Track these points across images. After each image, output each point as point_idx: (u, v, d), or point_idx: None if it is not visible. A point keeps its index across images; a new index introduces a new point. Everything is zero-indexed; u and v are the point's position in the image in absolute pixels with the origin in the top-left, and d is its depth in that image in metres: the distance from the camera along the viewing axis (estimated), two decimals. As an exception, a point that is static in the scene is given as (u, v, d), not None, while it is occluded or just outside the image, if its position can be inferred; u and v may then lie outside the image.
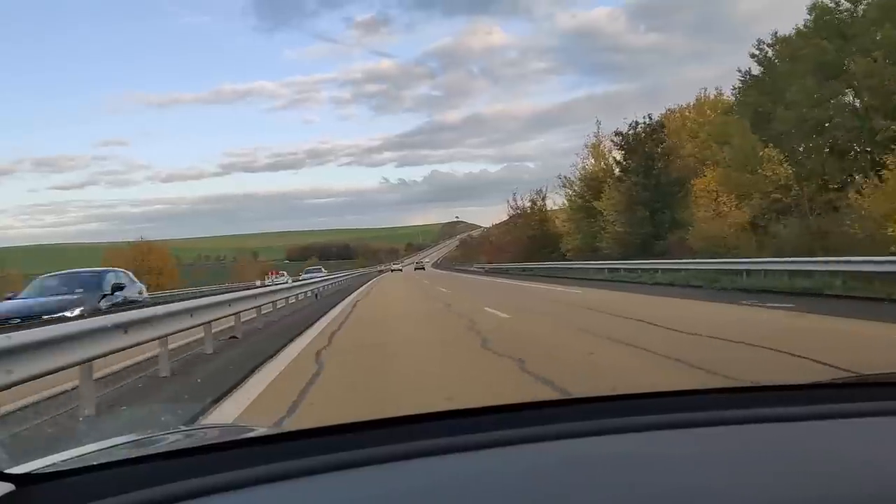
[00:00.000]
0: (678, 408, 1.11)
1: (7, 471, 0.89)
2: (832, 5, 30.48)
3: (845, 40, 29.42)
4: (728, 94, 39.83)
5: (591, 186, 41.03)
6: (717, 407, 1.11)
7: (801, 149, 30.00)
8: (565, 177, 47.58)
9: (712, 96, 42.83)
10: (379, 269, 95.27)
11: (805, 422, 1.06)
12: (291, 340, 10.32)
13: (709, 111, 41.90)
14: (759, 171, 29.23)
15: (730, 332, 8.43)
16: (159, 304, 8.70)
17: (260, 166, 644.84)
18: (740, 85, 37.41)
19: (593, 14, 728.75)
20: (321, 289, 25.35)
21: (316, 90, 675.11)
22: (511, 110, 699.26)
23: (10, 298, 12.29)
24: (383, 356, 8.30)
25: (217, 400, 5.61)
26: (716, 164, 32.88)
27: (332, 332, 11.40)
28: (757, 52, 36.22)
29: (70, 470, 0.92)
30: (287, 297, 16.57)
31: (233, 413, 5.14)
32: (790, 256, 18.01)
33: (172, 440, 1.31)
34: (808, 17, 31.34)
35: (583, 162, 45.55)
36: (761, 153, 29.40)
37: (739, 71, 37.46)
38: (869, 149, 27.94)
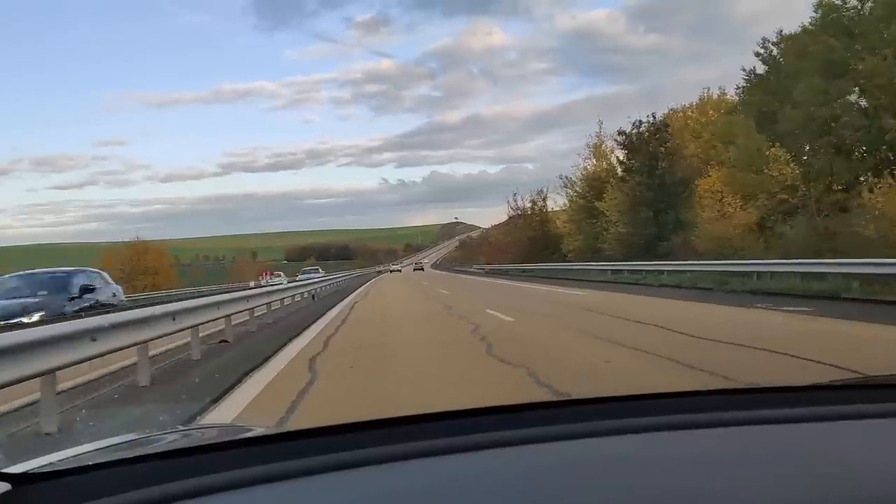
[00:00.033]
0: (678, 409, 1.09)
1: (3, 470, 0.88)
2: (839, 3, 30.01)
3: (852, 38, 28.99)
4: (732, 94, 39.47)
5: (594, 187, 40.53)
6: (716, 408, 1.10)
7: (807, 148, 29.50)
8: (566, 177, 47.15)
9: (715, 96, 42.48)
10: (378, 269, 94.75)
11: (805, 423, 1.06)
12: (285, 345, 9.82)
13: (711, 111, 41.49)
14: (765, 171, 28.75)
15: (750, 337, 7.93)
16: (141, 306, 8.14)
17: (259, 166, 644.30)
18: (744, 84, 37.06)
19: (593, 15, 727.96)
20: (318, 290, 24.80)
21: (316, 90, 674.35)
22: (510, 111, 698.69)
23: None
24: (382, 357, 8.15)
25: (198, 414, 5.18)
26: (720, 165, 32.41)
27: (328, 335, 10.88)
28: (762, 51, 35.84)
29: (67, 469, 0.91)
30: (282, 299, 16.00)
31: (228, 416, 4.97)
32: (798, 258, 17.55)
33: (170, 440, 1.29)
34: (815, 14, 30.93)
35: (584, 162, 45.15)
36: (767, 153, 28.92)
37: (744, 70, 37.04)
38: (877, 148, 27.47)
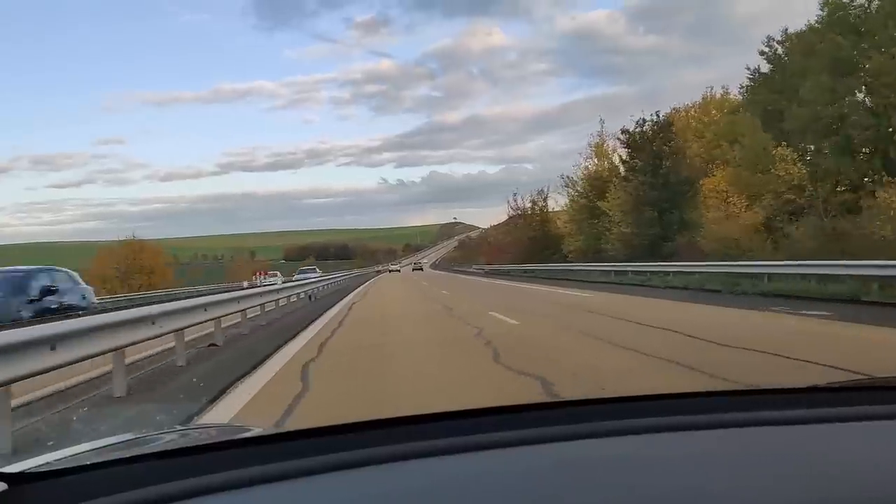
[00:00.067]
0: (677, 410, 1.08)
1: (0, 470, 0.87)
2: (846, 0, 29.52)
3: (859, 36, 28.50)
4: (735, 94, 38.96)
5: (596, 186, 39.95)
6: (716, 410, 1.09)
7: (814, 148, 28.95)
8: (568, 176, 46.56)
9: (719, 95, 41.96)
10: (377, 269, 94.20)
11: (805, 425, 1.05)
12: (278, 348, 9.27)
13: (714, 111, 40.97)
14: (772, 170, 28.21)
15: (773, 343, 7.41)
16: (121, 308, 7.56)
17: (259, 166, 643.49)
18: (749, 83, 36.53)
19: (592, 16, 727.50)
20: (316, 290, 24.22)
21: (315, 90, 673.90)
22: (510, 112, 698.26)
23: None
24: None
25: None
26: (725, 164, 31.87)
27: (324, 339, 10.32)
28: (767, 50, 35.32)
29: (64, 469, 0.90)
30: (277, 300, 15.41)
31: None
32: (807, 259, 17.03)
33: (168, 440, 1.27)
34: (821, 12, 30.43)
35: (585, 161, 44.58)
36: (774, 152, 28.39)
37: (748, 69, 36.56)
38: (885, 147, 26.94)
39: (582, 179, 44.11)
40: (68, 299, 10.59)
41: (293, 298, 18.68)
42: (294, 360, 7.96)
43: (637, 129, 32.95)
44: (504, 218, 67.42)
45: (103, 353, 5.39)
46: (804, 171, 27.60)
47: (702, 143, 36.73)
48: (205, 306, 8.14)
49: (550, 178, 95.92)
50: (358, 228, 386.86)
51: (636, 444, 0.98)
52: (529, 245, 52.28)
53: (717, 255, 24.29)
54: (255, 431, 1.17)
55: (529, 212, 56.68)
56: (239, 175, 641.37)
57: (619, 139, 35.38)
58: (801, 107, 28.60)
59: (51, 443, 4.29)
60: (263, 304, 13.37)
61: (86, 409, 5.41)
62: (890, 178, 21.90)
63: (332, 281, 33.14)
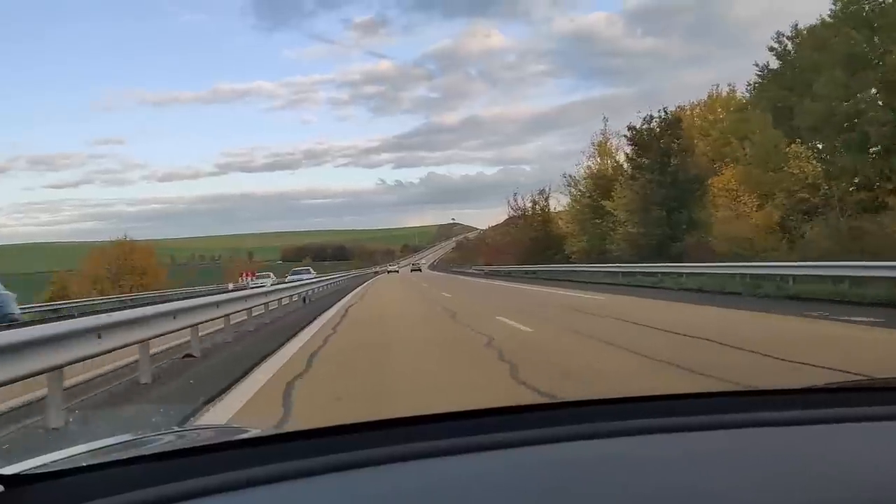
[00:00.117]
0: (674, 411, 1.08)
1: None
2: (859, -6, 28.57)
3: (872, 31, 27.54)
4: (742, 91, 37.99)
5: (600, 185, 38.88)
6: (715, 410, 1.09)
7: (827, 145, 27.91)
8: (570, 176, 45.52)
9: (725, 93, 40.95)
10: (375, 270, 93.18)
11: (802, 426, 1.05)
12: (263, 359, 8.17)
13: (720, 109, 39.97)
14: (785, 168, 27.18)
15: (840, 358, 6.32)
16: (54, 319, 6.41)
17: (257, 166, 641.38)
18: (758, 80, 35.55)
19: (591, 18, 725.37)
20: (310, 293, 23.08)
21: (314, 91, 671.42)
22: (508, 113, 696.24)
23: None
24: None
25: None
26: (735, 162, 30.85)
27: (315, 347, 9.22)
28: (776, 46, 34.33)
29: (61, 471, 0.89)
30: (267, 303, 14.25)
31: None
32: (826, 260, 15.98)
33: (165, 441, 1.26)
34: (834, 6, 29.49)
35: (588, 160, 43.54)
36: (787, 149, 27.36)
37: (756, 65, 35.60)
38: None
39: (585, 179, 43.12)
40: None
41: (285, 301, 17.53)
42: (278, 377, 6.86)
43: (644, 126, 31.83)
44: (503, 219, 66.53)
45: (27, 376, 4.27)
46: (819, 168, 26.57)
47: (707, 142, 35.76)
48: (174, 313, 6.97)
49: (549, 180, 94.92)
50: (356, 229, 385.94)
51: (636, 444, 0.97)
52: (530, 245, 51.19)
53: (729, 255, 23.27)
54: (254, 432, 1.16)
55: (530, 212, 55.64)
56: (237, 175, 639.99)
57: (625, 136, 34.28)
58: (815, 102, 27.62)
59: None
60: (250, 308, 12.21)
61: (5, 447, 4.29)
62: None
63: (328, 283, 31.98)
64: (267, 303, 14.11)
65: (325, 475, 0.87)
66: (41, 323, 5.91)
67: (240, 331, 11.48)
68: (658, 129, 31.36)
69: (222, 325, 10.38)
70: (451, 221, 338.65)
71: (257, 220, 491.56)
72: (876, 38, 27.49)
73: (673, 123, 31.35)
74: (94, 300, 36.31)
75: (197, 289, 43.65)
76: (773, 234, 25.05)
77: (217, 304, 9.06)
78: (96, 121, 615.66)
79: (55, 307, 34.37)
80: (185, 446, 1.11)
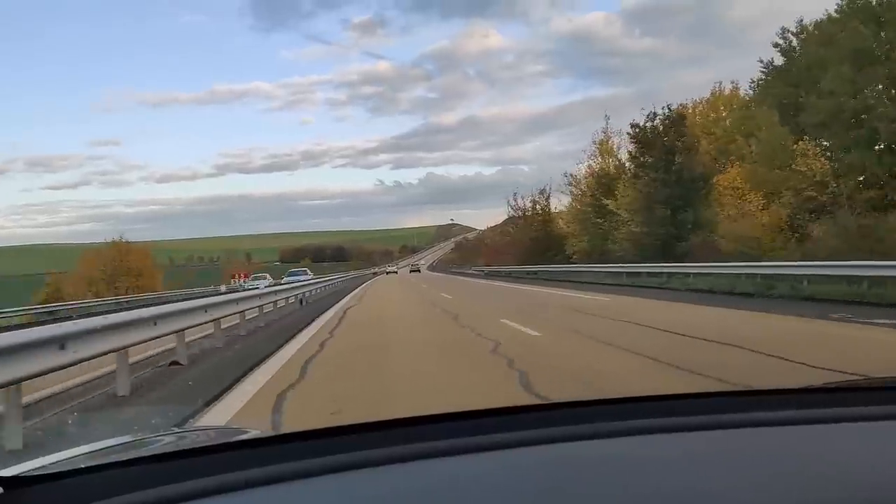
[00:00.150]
0: (673, 412, 1.08)
1: None
2: (867, -12, 28.07)
3: (879, 26, 27.04)
4: (745, 89, 37.48)
5: (602, 184, 38.30)
6: (713, 411, 1.08)
7: (834, 142, 27.35)
8: (571, 175, 44.95)
9: (728, 91, 40.40)
10: (373, 271, 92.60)
11: (800, 426, 1.05)
12: (254, 367, 7.62)
13: (723, 107, 39.43)
14: (792, 166, 26.62)
15: (881, 364, 5.77)
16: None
17: (255, 167, 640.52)
18: (762, 77, 34.99)
19: (589, 18, 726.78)
20: (307, 294, 22.50)
21: (312, 91, 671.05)
22: (506, 113, 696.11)
23: None
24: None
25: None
26: (740, 160, 30.30)
27: (310, 355, 8.66)
28: (781, 42, 33.79)
29: (60, 472, 0.89)
30: (261, 306, 13.66)
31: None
32: (835, 259, 15.44)
33: (165, 442, 1.25)
34: (840, 2, 29.00)
35: (589, 160, 42.96)
36: (794, 147, 26.81)
37: (761, 61, 35.05)
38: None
39: (586, 178, 42.54)
40: None
41: (281, 303, 16.96)
42: (268, 388, 6.30)
43: (647, 124, 31.25)
44: (502, 219, 65.97)
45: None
46: (828, 166, 26.02)
47: (710, 140, 35.22)
48: (154, 319, 6.39)
49: (547, 180, 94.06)
50: (354, 230, 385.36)
51: (632, 444, 0.97)
52: (531, 246, 50.58)
53: (735, 255, 22.72)
54: (253, 434, 1.16)
55: (530, 212, 55.04)
56: (235, 177, 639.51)
57: (628, 133, 33.67)
58: (822, 99, 27.09)
59: None
60: (243, 311, 11.63)
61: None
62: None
63: (326, 284, 31.40)
64: (261, 305, 13.51)
65: (323, 476, 0.87)
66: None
67: (231, 335, 10.91)
68: (662, 127, 30.79)
69: (212, 330, 9.81)
70: (450, 222, 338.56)
71: (255, 222, 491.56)
72: (883, 34, 27.01)
73: (677, 121, 30.78)
74: (88, 302, 35.73)
75: (195, 290, 42.96)
76: (782, 233, 24.49)
77: (205, 309, 8.46)
78: (94, 122, 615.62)
79: (50, 309, 33.84)
80: (185, 448, 1.09)
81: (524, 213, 56.39)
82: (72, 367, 5.46)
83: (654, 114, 31.24)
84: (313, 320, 14.27)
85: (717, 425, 1.03)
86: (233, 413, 5.19)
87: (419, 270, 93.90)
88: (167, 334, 7.01)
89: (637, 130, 31.81)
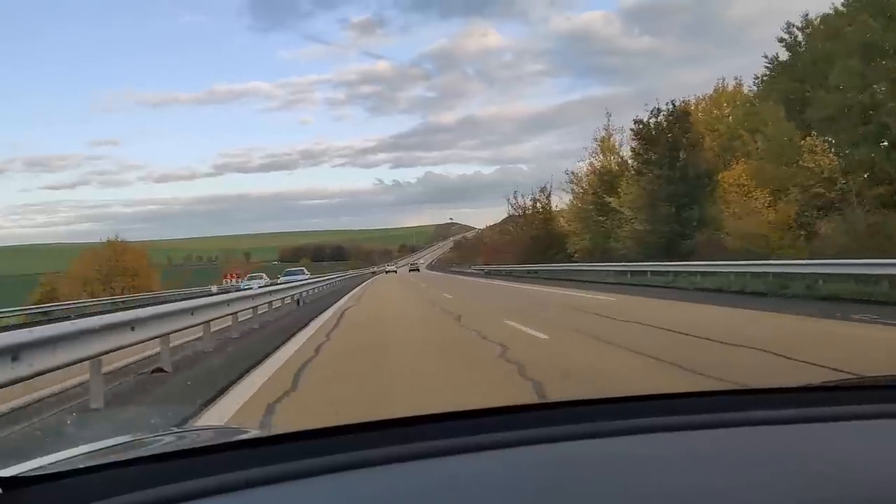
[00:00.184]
0: (674, 411, 1.08)
1: None
2: (877, -20, 27.53)
3: (888, 19, 26.52)
4: (749, 85, 36.97)
5: (605, 182, 37.74)
6: (712, 410, 1.08)
7: (842, 137, 26.82)
8: (573, 172, 44.40)
9: (731, 87, 39.88)
10: (372, 270, 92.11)
11: (799, 424, 1.05)
12: (244, 374, 7.08)
13: (726, 104, 38.91)
14: (799, 162, 26.08)
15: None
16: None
17: (254, 167, 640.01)
18: (767, 72, 34.46)
19: (588, 17, 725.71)
20: (304, 294, 21.95)
21: (311, 91, 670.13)
22: (505, 112, 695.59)
23: None
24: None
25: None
26: (746, 156, 29.77)
27: (306, 359, 8.12)
28: (786, 37, 33.29)
29: (59, 472, 0.89)
30: (255, 307, 13.11)
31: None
32: (843, 257, 14.94)
33: (164, 442, 1.25)
34: (847, -5, 28.50)
35: (590, 157, 42.40)
36: (801, 143, 26.27)
37: (765, 57, 34.55)
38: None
39: (588, 175, 42.00)
40: None
41: (276, 304, 16.41)
42: (257, 399, 5.77)
43: (651, 120, 30.69)
44: (501, 218, 65.37)
45: None
46: (836, 162, 25.49)
47: (714, 137, 34.70)
48: (131, 324, 5.81)
49: (546, 179, 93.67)
50: (353, 229, 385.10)
51: (632, 443, 0.96)
52: (531, 245, 50.03)
53: (742, 253, 22.20)
54: (253, 433, 1.15)
55: (531, 210, 54.48)
56: (234, 176, 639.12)
57: (631, 130, 33.12)
58: (829, 93, 26.57)
59: None
60: (235, 313, 11.08)
61: None
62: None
63: (324, 284, 30.86)
64: (255, 307, 12.96)
65: (323, 476, 0.86)
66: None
67: (223, 338, 10.37)
68: (666, 123, 30.23)
69: (202, 334, 9.26)
70: (449, 221, 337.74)
71: (254, 221, 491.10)
72: (892, 27, 26.48)
73: (681, 116, 30.22)
74: (83, 302, 35.19)
75: (194, 290, 42.31)
76: (790, 230, 23.95)
77: (191, 311, 7.89)
78: (92, 122, 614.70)
79: (45, 310, 33.31)
80: (184, 447, 1.08)
81: (524, 212, 55.85)
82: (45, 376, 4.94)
83: (658, 109, 30.71)
84: (310, 321, 13.75)
85: (719, 424, 1.02)
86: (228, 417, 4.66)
87: (418, 269, 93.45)
88: (146, 340, 6.44)
89: (641, 126, 31.28)
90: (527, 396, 5.24)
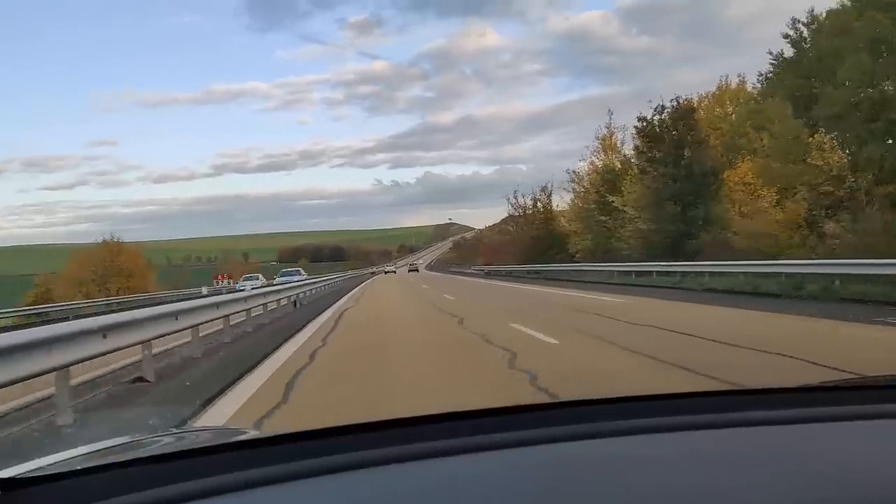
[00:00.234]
0: (674, 411, 1.07)
1: None
2: (883, -25, 27.00)
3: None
4: (753, 83, 36.43)
5: (607, 181, 37.17)
6: (713, 410, 1.08)
7: (850, 134, 26.29)
8: (574, 172, 43.84)
9: (735, 85, 39.35)
10: (371, 270, 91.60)
11: (799, 424, 1.04)
12: (232, 384, 6.53)
13: (729, 101, 38.37)
14: (807, 160, 25.54)
15: None
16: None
17: (252, 167, 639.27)
18: (772, 69, 33.93)
19: (586, 17, 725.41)
20: (301, 295, 21.38)
21: (308, 91, 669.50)
22: (504, 112, 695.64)
23: None
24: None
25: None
26: (752, 154, 29.23)
27: (299, 366, 7.56)
28: (791, 33, 32.75)
29: (59, 473, 0.88)
30: (249, 309, 12.54)
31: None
32: (860, 258, 14.41)
33: (163, 443, 1.24)
34: (854, -11, 27.97)
35: (592, 156, 41.85)
36: (809, 140, 25.74)
37: (770, 53, 34.01)
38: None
39: (589, 174, 41.45)
40: None
41: (272, 306, 15.84)
42: (246, 412, 5.22)
43: (655, 117, 30.14)
44: (500, 218, 64.82)
45: None
46: (845, 159, 24.96)
47: (717, 135, 34.18)
48: (103, 331, 5.23)
49: (545, 179, 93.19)
50: (352, 230, 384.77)
51: (632, 444, 0.96)
52: (531, 245, 49.45)
53: (750, 252, 21.67)
54: (252, 434, 1.15)
55: (531, 210, 53.91)
56: (232, 177, 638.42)
57: (634, 127, 32.56)
58: (837, 90, 26.05)
59: None
60: (227, 314, 10.52)
61: None
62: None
63: (322, 284, 30.29)
64: (248, 309, 12.39)
65: (322, 477, 0.86)
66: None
67: (213, 343, 9.81)
68: (670, 120, 29.67)
69: (190, 338, 8.70)
70: (448, 221, 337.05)
71: (253, 222, 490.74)
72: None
73: (686, 114, 29.66)
74: (78, 303, 34.60)
75: (192, 290, 41.66)
76: (799, 229, 23.41)
77: (175, 316, 7.32)
78: (91, 122, 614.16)
79: (40, 311, 32.75)
80: (183, 448, 1.08)
81: (525, 212, 55.27)
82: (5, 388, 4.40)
83: (663, 107, 30.15)
84: (307, 324, 13.20)
85: (719, 424, 1.01)
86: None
87: (417, 270, 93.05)
88: (122, 348, 5.87)
89: (644, 124, 30.71)
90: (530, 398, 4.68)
